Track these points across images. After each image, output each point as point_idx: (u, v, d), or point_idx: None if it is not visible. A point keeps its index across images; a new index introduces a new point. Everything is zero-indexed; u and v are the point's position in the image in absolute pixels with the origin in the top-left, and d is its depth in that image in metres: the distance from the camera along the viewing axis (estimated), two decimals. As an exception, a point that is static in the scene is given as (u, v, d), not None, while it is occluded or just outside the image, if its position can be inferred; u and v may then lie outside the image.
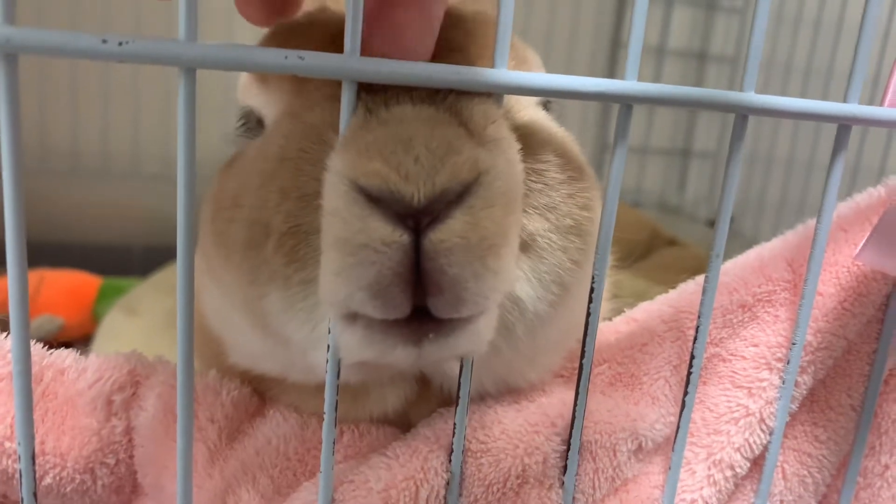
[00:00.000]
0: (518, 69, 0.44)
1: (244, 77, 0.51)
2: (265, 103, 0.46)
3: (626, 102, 0.42)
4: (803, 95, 1.47)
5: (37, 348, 0.47)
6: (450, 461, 0.46)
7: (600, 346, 0.54)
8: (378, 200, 0.35)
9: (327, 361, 0.40)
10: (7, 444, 0.43)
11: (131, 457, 0.46)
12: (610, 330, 0.56)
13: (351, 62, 0.37)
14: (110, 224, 1.80)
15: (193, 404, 0.40)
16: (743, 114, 0.44)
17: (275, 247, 0.40)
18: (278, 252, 0.40)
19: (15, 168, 0.34)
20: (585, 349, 0.45)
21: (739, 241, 1.92)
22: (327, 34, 0.44)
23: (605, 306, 0.62)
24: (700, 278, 0.56)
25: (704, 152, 2.09)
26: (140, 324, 1.16)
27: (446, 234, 0.35)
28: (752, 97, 0.43)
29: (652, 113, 2.03)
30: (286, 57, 0.36)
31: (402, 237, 0.35)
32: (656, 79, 1.96)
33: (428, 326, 0.37)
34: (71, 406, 0.45)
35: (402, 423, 0.51)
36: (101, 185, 1.75)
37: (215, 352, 0.53)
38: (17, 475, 0.39)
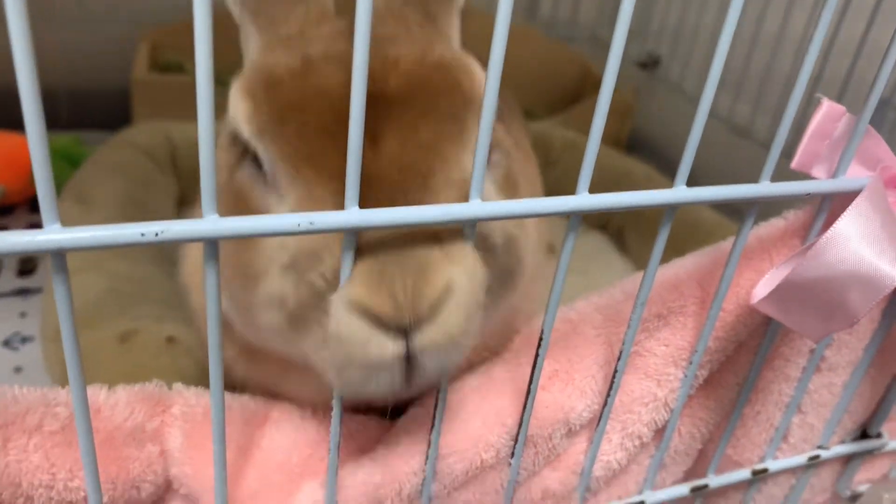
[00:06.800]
0: None
1: (240, 107, 0.54)
2: (263, 151, 0.52)
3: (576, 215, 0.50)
4: None
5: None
6: (426, 462, 0.58)
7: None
8: (382, 322, 0.47)
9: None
10: (69, 483, 0.52)
11: (167, 471, 0.56)
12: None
13: (352, 217, 0.43)
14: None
15: (225, 438, 0.50)
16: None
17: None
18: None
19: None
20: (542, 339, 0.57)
21: (665, 86, 2.00)
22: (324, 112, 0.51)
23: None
24: (627, 287, 0.67)
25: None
26: (96, 216, 1.20)
27: (425, 342, 0.47)
28: (682, 189, 0.52)
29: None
30: (299, 224, 0.42)
31: (401, 349, 0.47)
32: None
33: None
34: (111, 439, 0.55)
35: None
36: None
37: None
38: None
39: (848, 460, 0.84)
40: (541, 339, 0.56)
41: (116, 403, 0.56)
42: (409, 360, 0.48)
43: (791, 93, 0.53)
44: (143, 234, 0.39)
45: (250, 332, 0.58)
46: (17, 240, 0.38)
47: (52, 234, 0.38)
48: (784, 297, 0.56)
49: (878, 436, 0.82)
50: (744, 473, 0.75)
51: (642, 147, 1.99)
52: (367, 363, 0.47)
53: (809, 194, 0.56)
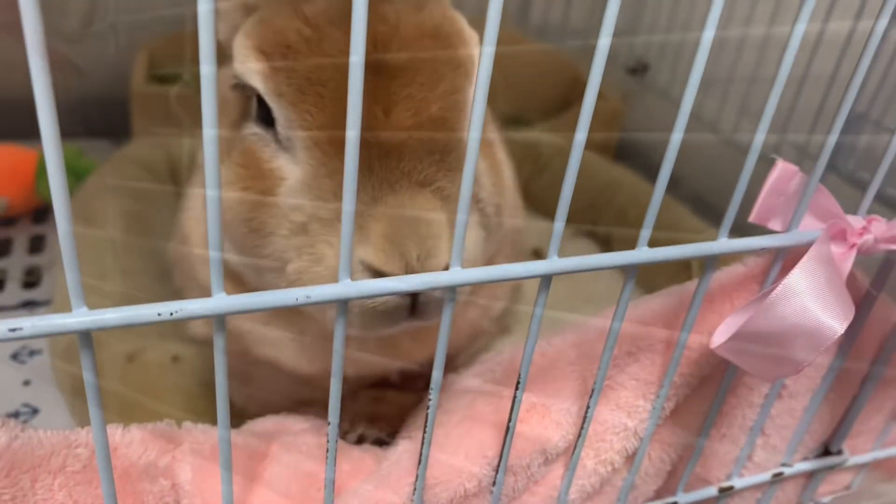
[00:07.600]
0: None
1: (253, 65, 0.60)
2: (281, 112, 0.59)
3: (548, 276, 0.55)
4: None
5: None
6: (414, 493, 0.64)
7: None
8: None
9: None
10: (93, 519, 0.58)
11: (178, 503, 0.62)
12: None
13: (344, 288, 0.49)
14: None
15: (231, 473, 0.55)
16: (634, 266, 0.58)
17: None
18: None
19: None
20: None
21: (655, 92, 2.04)
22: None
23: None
24: (600, 324, 0.72)
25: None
26: (101, 235, 1.25)
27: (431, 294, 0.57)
28: (645, 251, 0.57)
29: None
30: (297, 298, 0.47)
31: (407, 299, 0.57)
32: None
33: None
34: (127, 475, 0.60)
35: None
36: None
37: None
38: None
39: (811, 475, 0.90)
40: (518, 380, 0.61)
41: (131, 442, 0.61)
42: (413, 302, 0.57)
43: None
44: (159, 314, 0.44)
45: (258, 286, 0.65)
46: (48, 323, 0.43)
47: (80, 318, 0.43)
48: (739, 345, 0.61)
49: (839, 452, 0.88)
50: (711, 491, 0.81)
51: (631, 153, 2.03)
52: (374, 311, 0.56)
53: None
